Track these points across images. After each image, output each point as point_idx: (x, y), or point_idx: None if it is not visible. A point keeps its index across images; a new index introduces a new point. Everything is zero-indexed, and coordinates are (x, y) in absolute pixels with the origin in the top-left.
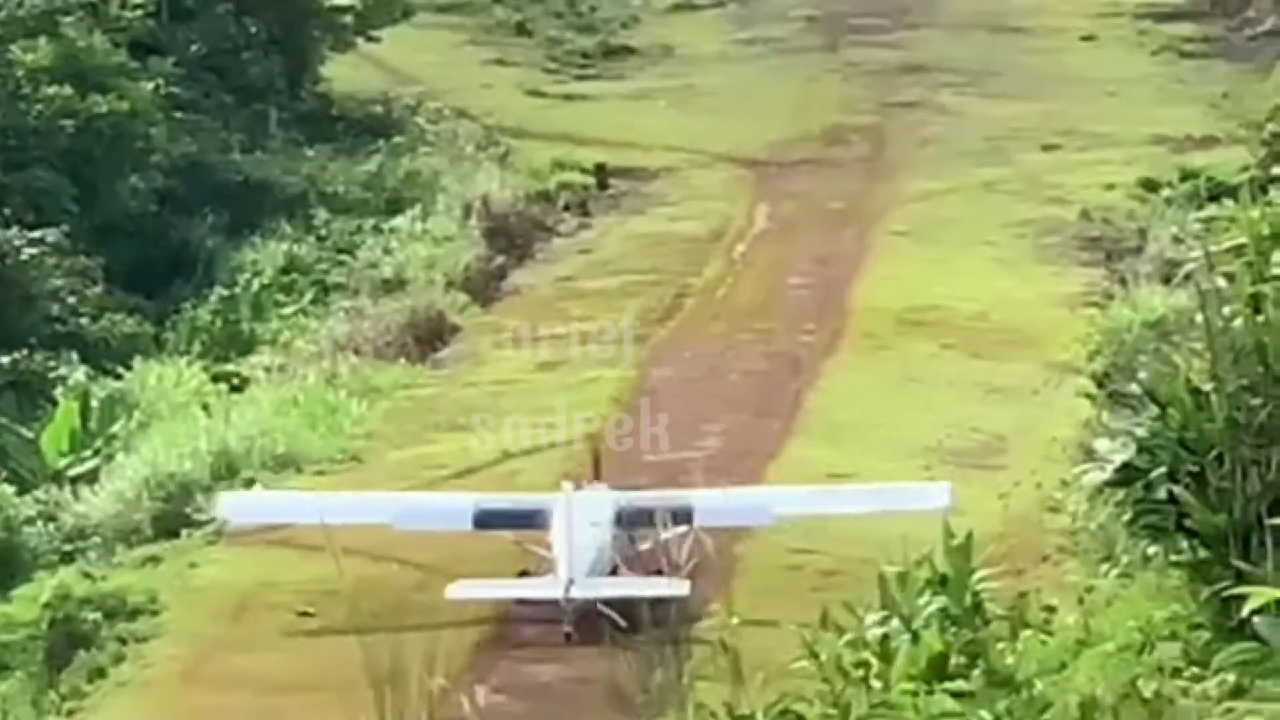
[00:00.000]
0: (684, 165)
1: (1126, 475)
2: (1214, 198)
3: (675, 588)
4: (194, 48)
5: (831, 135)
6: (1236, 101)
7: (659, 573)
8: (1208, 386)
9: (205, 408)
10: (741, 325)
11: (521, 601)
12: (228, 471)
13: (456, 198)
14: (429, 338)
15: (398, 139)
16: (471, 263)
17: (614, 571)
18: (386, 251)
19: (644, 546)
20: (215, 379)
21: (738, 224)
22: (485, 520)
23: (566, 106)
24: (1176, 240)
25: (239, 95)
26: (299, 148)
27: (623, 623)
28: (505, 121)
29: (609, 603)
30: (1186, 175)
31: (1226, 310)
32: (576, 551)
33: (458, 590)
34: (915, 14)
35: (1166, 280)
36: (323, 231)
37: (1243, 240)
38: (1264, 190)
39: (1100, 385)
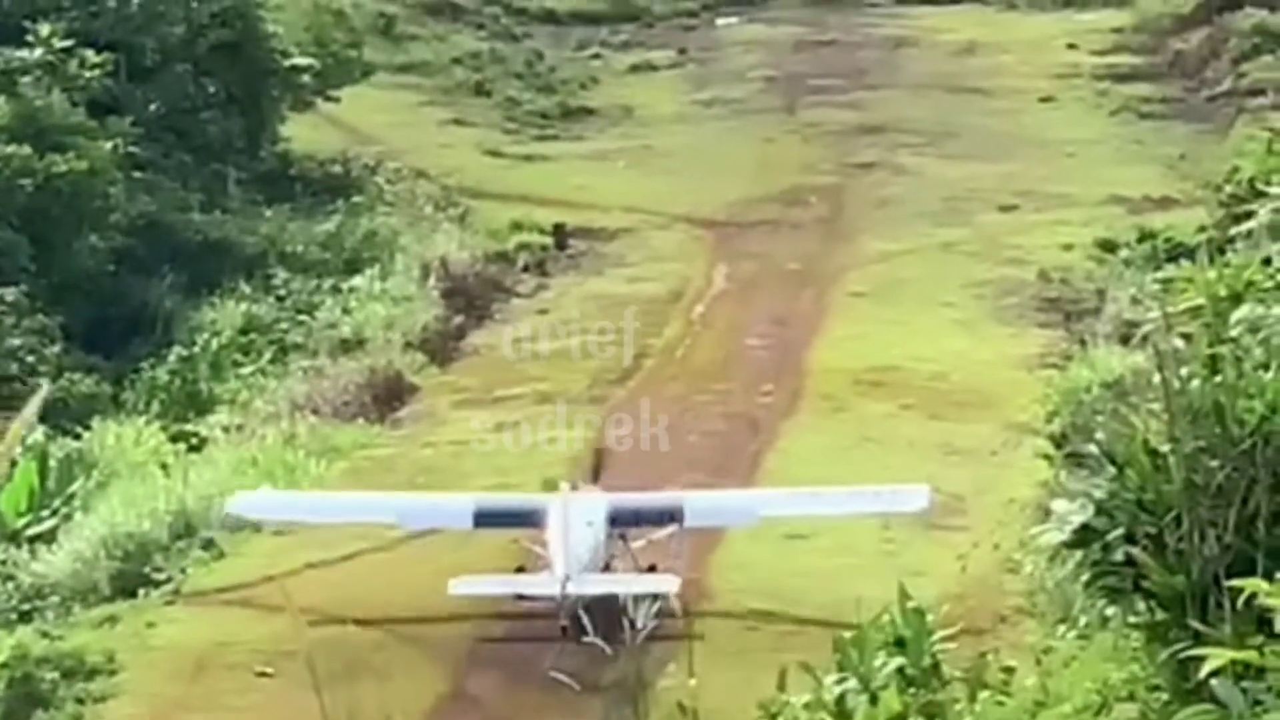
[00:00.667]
0: (642, 226)
1: (1084, 536)
2: (1172, 258)
3: (665, 584)
4: (152, 107)
5: (790, 196)
6: (1194, 162)
7: (652, 569)
8: (1165, 448)
9: (164, 467)
10: (700, 386)
11: (520, 596)
12: (186, 531)
13: (415, 258)
14: (387, 398)
15: (356, 199)
16: (430, 323)
17: (607, 569)
18: (345, 311)
19: (636, 544)
20: (174, 439)
21: (696, 285)
22: (484, 519)
23: (525, 167)
24: (1134, 301)
25: (198, 155)
26: (258, 207)
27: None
28: (464, 182)
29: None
30: (1144, 236)
31: (1184, 371)
32: (572, 549)
33: (460, 586)
34: (874, 75)
35: (1125, 341)
36: (281, 291)
37: (1200, 301)
38: (1221, 251)
39: (1058, 446)
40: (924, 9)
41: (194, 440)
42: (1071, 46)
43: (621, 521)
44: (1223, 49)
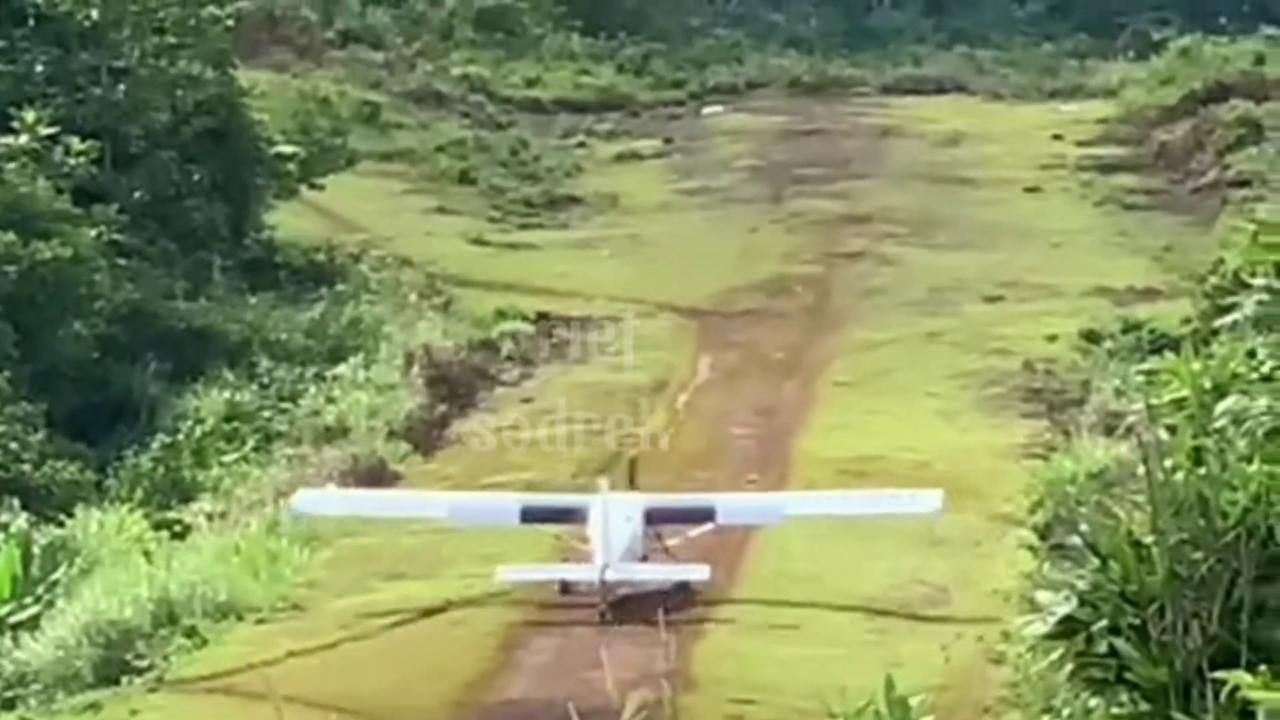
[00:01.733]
0: (627, 315)
1: (1068, 627)
2: (1156, 350)
3: (697, 572)
4: (137, 194)
5: (775, 285)
6: (1179, 253)
7: None
8: (1149, 539)
9: (147, 555)
10: (684, 475)
11: (563, 585)
12: (169, 619)
13: (399, 346)
14: (371, 486)
15: (340, 287)
16: (413, 411)
17: (644, 561)
18: (329, 399)
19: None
20: (157, 526)
21: (681, 374)
22: (530, 515)
23: (509, 255)
24: (1119, 392)
25: (182, 242)
26: (242, 295)
27: None
28: (448, 269)
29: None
30: (1129, 327)
31: (1168, 463)
32: (612, 541)
33: (507, 573)
34: (859, 164)
35: (1109, 432)
36: (265, 379)
37: (1184, 393)
38: (1206, 343)
39: (1042, 537)
40: (909, 99)
41: (177, 528)
42: (1057, 137)
43: (657, 519)
44: (1207, 140)
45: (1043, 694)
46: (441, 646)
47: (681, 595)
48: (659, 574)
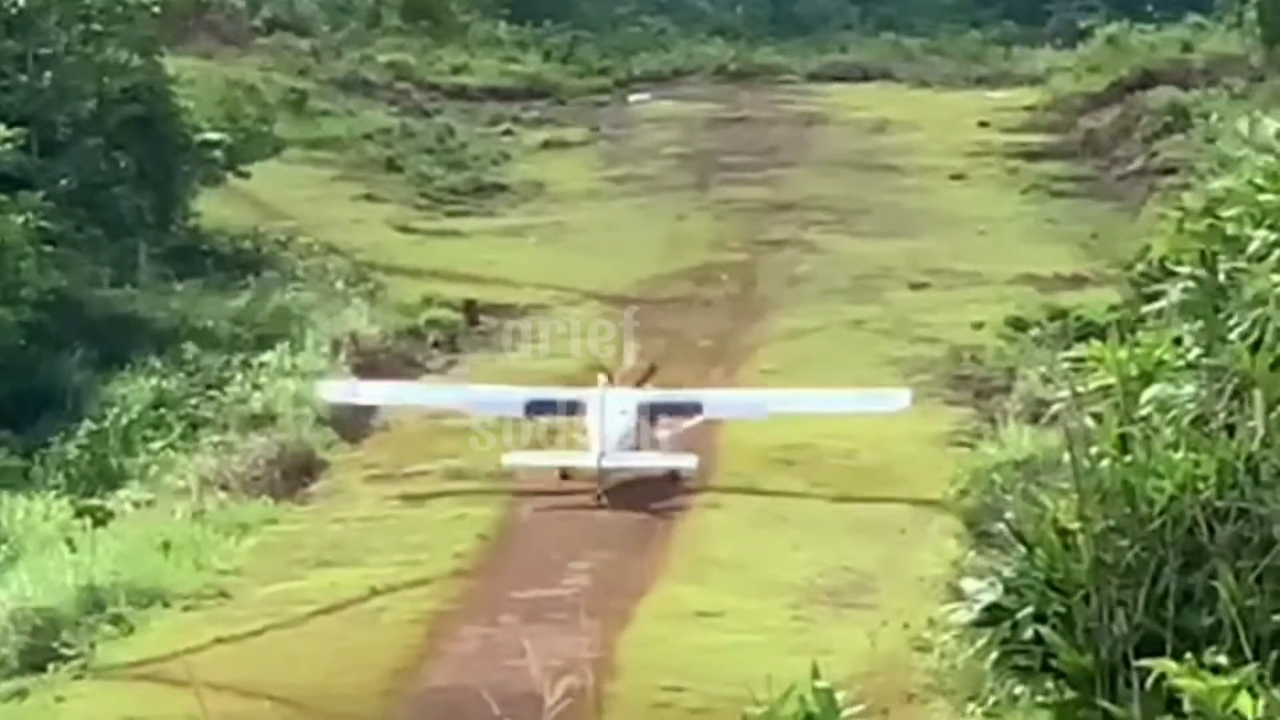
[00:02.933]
0: (554, 302)
1: (993, 615)
2: (1083, 337)
3: (686, 461)
4: (64, 182)
5: (702, 273)
6: (1106, 241)
7: None
8: (1075, 527)
9: (71, 542)
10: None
11: (563, 472)
12: (95, 606)
13: (326, 333)
14: (297, 473)
15: (267, 274)
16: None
17: (636, 450)
18: (255, 387)
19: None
20: (82, 513)
21: (607, 361)
22: (533, 408)
23: (436, 243)
24: (1045, 380)
25: (109, 229)
26: (168, 282)
27: None
28: (375, 257)
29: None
30: (1055, 314)
31: (1094, 451)
32: (608, 432)
33: (512, 459)
34: (785, 152)
35: (1035, 420)
36: (192, 367)
37: (1111, 380)
38: (1132, 330)
39: (968, 525)
40: (836, 86)
41: (103, 515)
42: (983, 124)
43: (649, 412)
44: (1134, 128)
45: (968, 682)
46: (368, 634)
47: (671, 484)
48: (651, 461)
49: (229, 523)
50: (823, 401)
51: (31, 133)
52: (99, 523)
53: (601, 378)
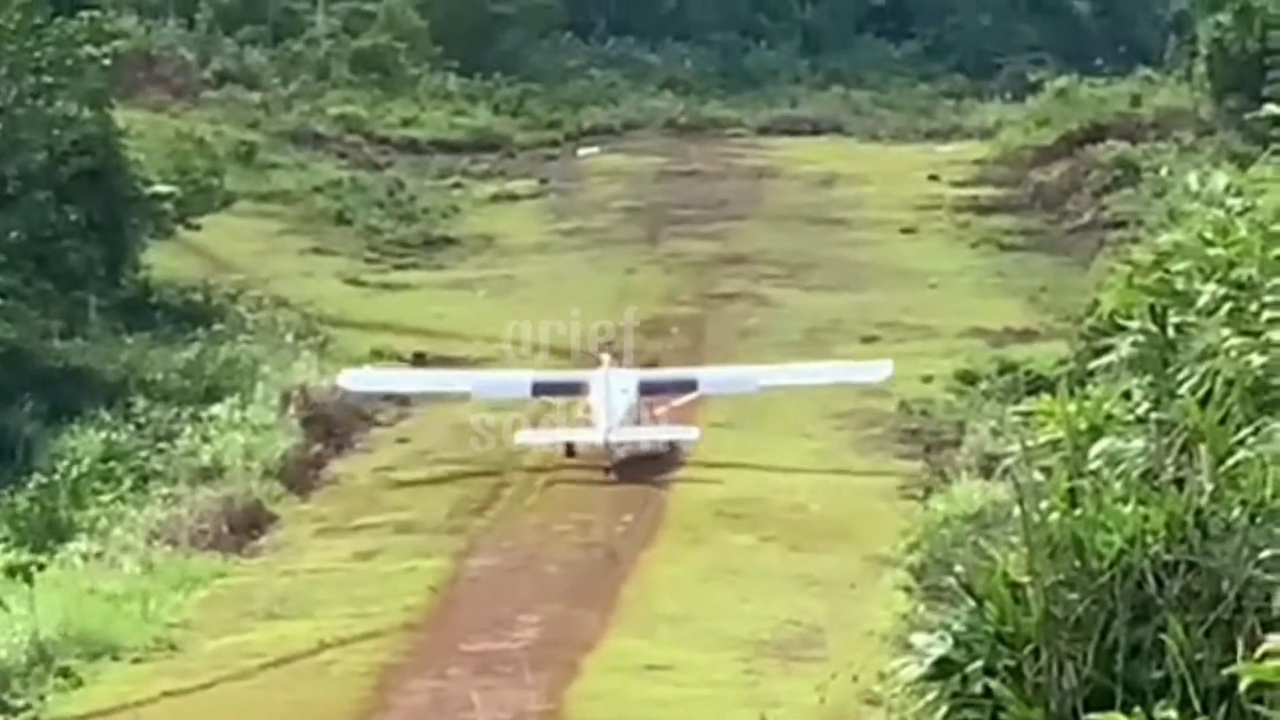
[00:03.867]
0: (504, 355)
1: (943, 669)
2: (1032, 391)
3: (686, 434)
4: (13, 234)
5: (651, 326)
6: (1055, 295)
7: None
8: (1024, 580)
9: (21, 595)
10: (560, 516)
11: (569, 448)
12: (42, 659)
13: (275, 386)
14: (246, 526)
15: (217, 327)
16: (289, 451)
17: (638, 424)
18: (205, 439)
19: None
20: (14, 571)
21: (556, 414)
22: (540, 389)
23: (386, 295)
24: (995, 433)
25: (58, 282)
26: (118, 335)
27: None
28: (325, 310)
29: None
30: (1005, 368)
31: (1043, 504)
32: (612, 408)
33: (524, 436)
34: (735, 205)
35: (986, 474)
36: (142, 419)
37: (1060, 434)
38: (1082, 384)
39: (918, 578)
40: (785, 139)
41: (52, 568)
42: (933, 178)
43: (648, 391)
44: (1084, 181)
45: None
46: (317, 687)
47: (673, 457)
48: (653, 435)
49: (178, 575)
50: (809, 375)
51: None
52: (29, 579)
53: (606, 357)
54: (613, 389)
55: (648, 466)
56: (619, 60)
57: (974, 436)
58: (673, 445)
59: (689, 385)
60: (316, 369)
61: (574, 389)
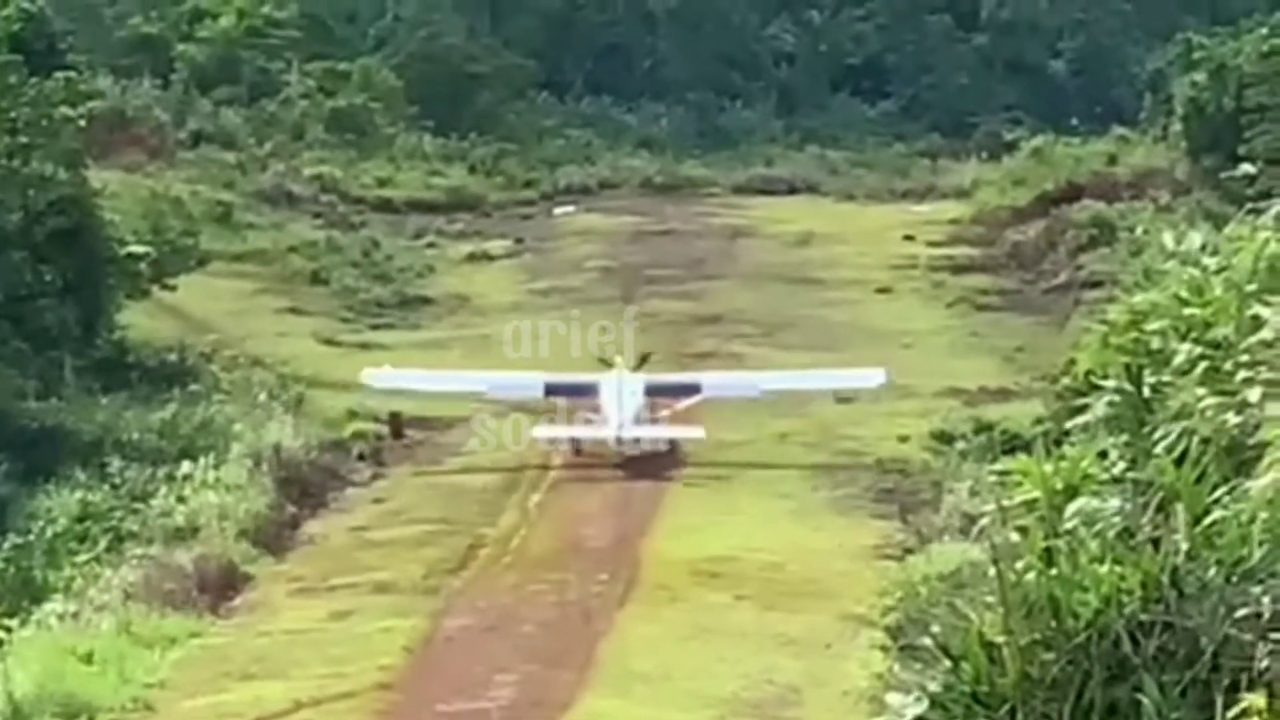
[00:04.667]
0: (478, 414)
1: None
2: (1008, 450)
3: (691, 433)
4: None
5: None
6: (1031, 354)
7: None
8: (1000, 640)
9: None
10: (535, 575)
11: (575, 445)
12: (18, 719)
13: (250, 446)
14: (221, 587)
15: (192, 387)
16: (264, 511)
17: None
18: (179, 500)
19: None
20: (5, 627)
21: (532, 474)
22: (552, 390)
23: (361, 355)
24: (971, 493)
25: (34, 342)
26: (94, 395)
27: None
28: (300, 370)
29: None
30: (981, 427)
31: (1019, 564)
32: (624, 408)
33: (540, 431)
34: (711, 265)
35: (962, 533)
36: (117, 479)
37: (1036, 494)
38: (1058, 444)
39: (894, 638)
40: (761, 199)
41: (27, 627)
42: (909, 238)
43: (655, 393)
44: (1060, 241)
45: None
46: None
47: (674, 456)
48: (660, 433)
49: (154, 636)
50: (808, 380)
51: None
52: (22, 636)
53: (618, 359)
54: (624, 389)
55: (652, 464)
56: (595, 119)
57: (950, 496)
58: (673, 445)
59: (693, 389)
60: (291, 429)
61: (586, 390)
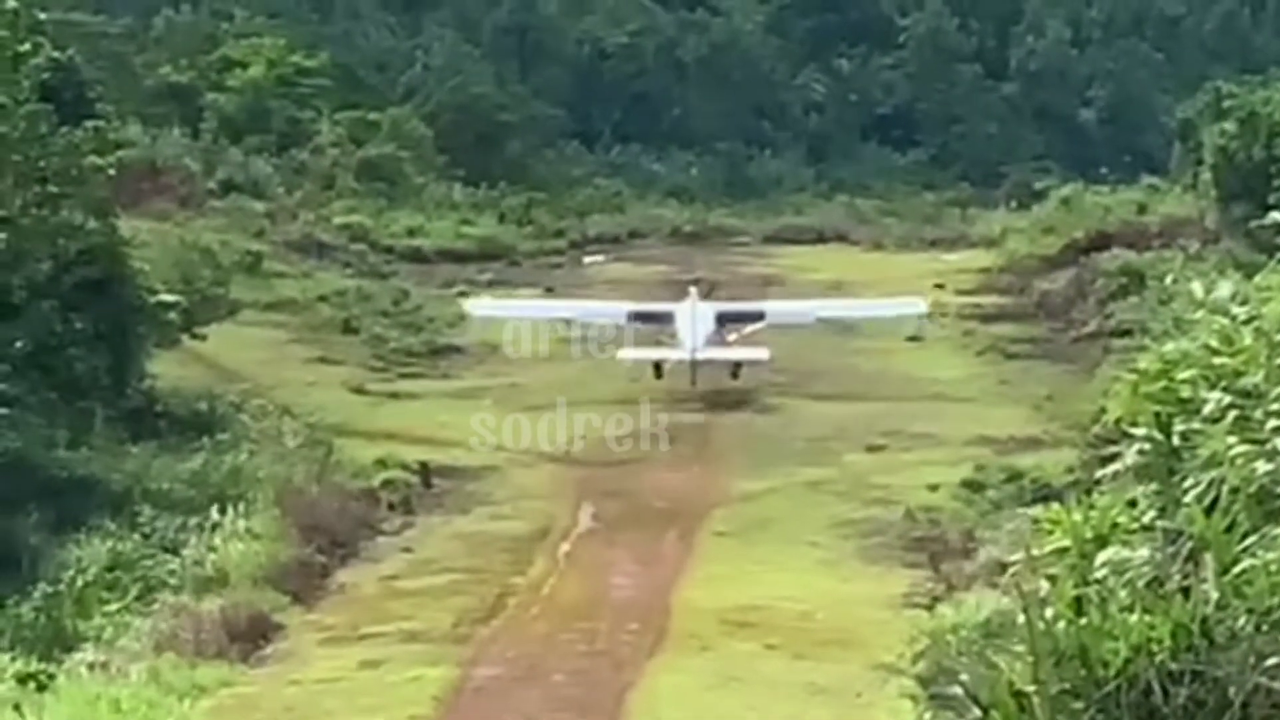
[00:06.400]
0: (508, 464)
1: None
2: (1039, 499)
3: (758, 353)
4: (19, 344)
5: (657, 433)
6: (1061, 403)
7: None
8: (1030, 689)
9: (19, 708)
10: (565, 625)
11: (657, 369)
12: None
13: (279, 495)
14: (251, 636)
15: (222, 436)
16: (293, 561)
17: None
18: (210, 549)
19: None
20: (25, 680)
21: (562, 523)
22: (634, 316)
23: (391, 404)
24: (1001, 542)
25: (64, 391)
26: (124, 444)
27: None
28: (330, 419)
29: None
30: (1011, 476)
31: (1049, 613)
32: (697, 333)
33: (624, 353)
34: None
35: (993, 582)
36: (147, 529)
37: (1066, 543)
38: (1088, 492)
39: (924, 686)
40: (790, 248)
41: (58, 678)
42: (938, 286)
43: (724, 320)
44: (1089, 289)
45: None
46: None
47: (742, 392)
48: (729, 354)
49: (185, 685)
50: (856, 309)
51: None
52: (42, 688)
53: (692, 289)
54: (696, 316)
55: (725, 398)
56: (624, 169)
57: (980, 545)
58: (736, 374)
59: (758, 316)
60: (320, 479)
61: (664, 318)
